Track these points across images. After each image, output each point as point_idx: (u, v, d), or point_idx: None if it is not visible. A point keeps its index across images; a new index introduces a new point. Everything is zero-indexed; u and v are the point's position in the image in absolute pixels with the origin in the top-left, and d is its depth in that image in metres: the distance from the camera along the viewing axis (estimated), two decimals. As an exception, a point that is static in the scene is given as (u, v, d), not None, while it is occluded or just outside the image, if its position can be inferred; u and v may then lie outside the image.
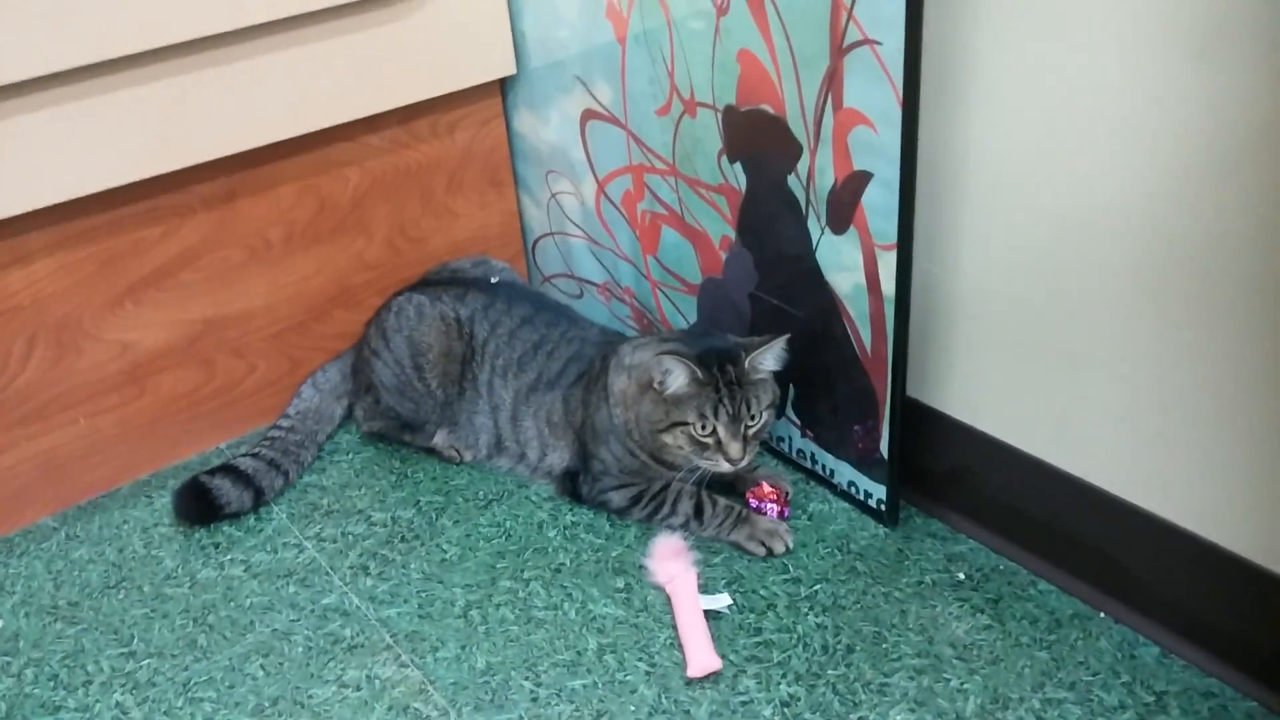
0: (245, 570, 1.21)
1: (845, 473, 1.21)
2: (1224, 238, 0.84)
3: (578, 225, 1.49)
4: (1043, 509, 1.09)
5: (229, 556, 1.23)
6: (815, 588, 1.12)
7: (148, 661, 1.10)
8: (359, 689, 1.05)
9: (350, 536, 1.25)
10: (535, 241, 1.61)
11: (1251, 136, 0.79)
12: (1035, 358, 1.03)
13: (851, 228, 1.05)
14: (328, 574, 1.19)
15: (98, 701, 1.05)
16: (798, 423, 1.26)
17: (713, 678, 1.02)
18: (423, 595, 1.15)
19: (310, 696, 1.04)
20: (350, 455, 1.39)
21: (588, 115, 1.37)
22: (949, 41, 0.96)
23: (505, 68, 1.43)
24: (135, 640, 1.12)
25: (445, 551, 1.22)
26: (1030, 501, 1.09)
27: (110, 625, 1.14)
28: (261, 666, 1.08)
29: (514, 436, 1.29)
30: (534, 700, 1.02)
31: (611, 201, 1.40)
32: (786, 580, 1.13)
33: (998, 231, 1.01)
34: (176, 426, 1.38)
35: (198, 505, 1.26)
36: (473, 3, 1.36)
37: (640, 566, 1.16)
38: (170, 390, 1.36)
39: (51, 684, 1.08)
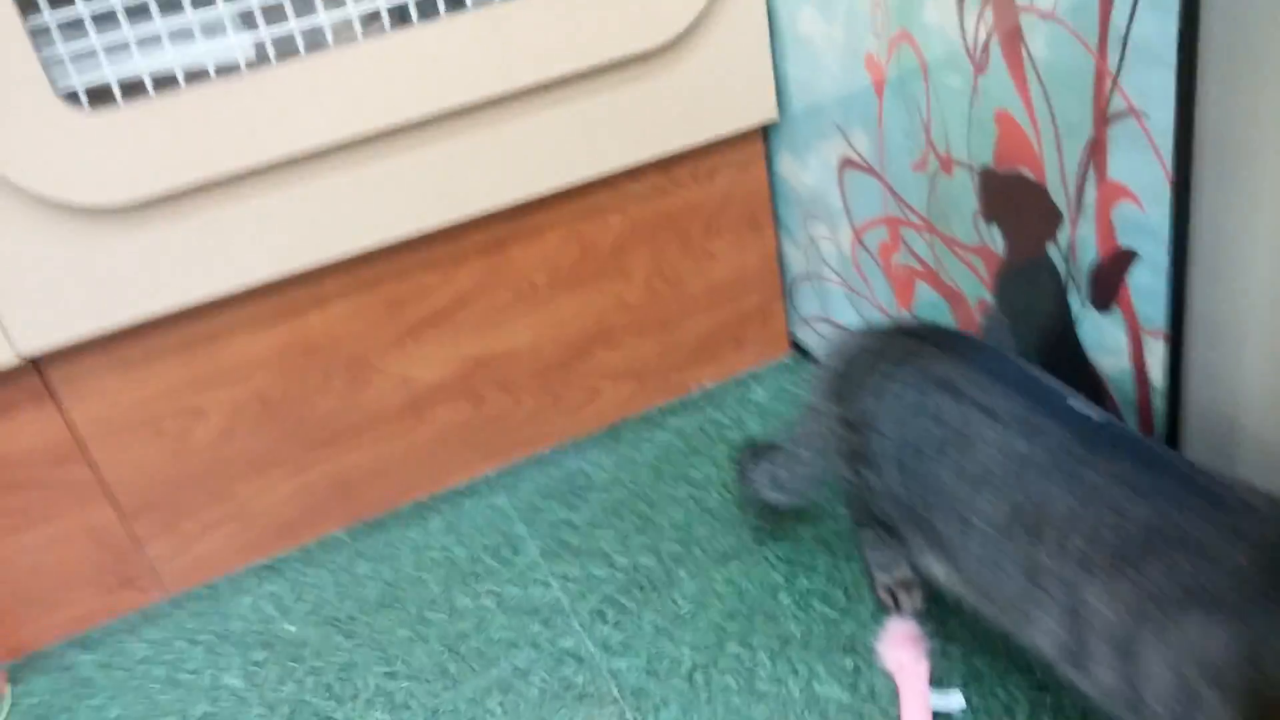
0: (496, 603, 1.29)
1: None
2: None
3: (835, 271, 1.45)
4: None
5: (484, 587, 1.32)
6: (1063, 696, 1.02)
7: (406, 684, 1.20)
8: (583, 738, 1.09)
9: (593, 579, 1.30)
10: (793, 283, 1.58)
11: None
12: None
13: (1116, 307, 0.95)
14: (568, 616, 1.25)
15: (361, 717, 1.17)
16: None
17: (934, 783, 0.96)
18: (653, 650, 1.17)
19: (538, 739, 1.10)
20: (602, 493, 1.44)
21: (845, 163, 1.32)
22: (1230, 111, 0.83)
23: (768, 114, 1.42)
24: (398, 661, 1.23)
25: (679, 606, 1.23)
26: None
27: (378, 643, 1.26)
28: (500, 704, 1.15)
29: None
30: (748, 776, 1.01)
31: (867, 250, 1.35)
32: (1031, 685, 1.04)
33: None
34: (449, 454, 1.50)
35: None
36: (736, 51, 1.36)
37: (872, 648, 1.11)
38: (445, 420, 1.48)
39: (326, 694, 1.21)
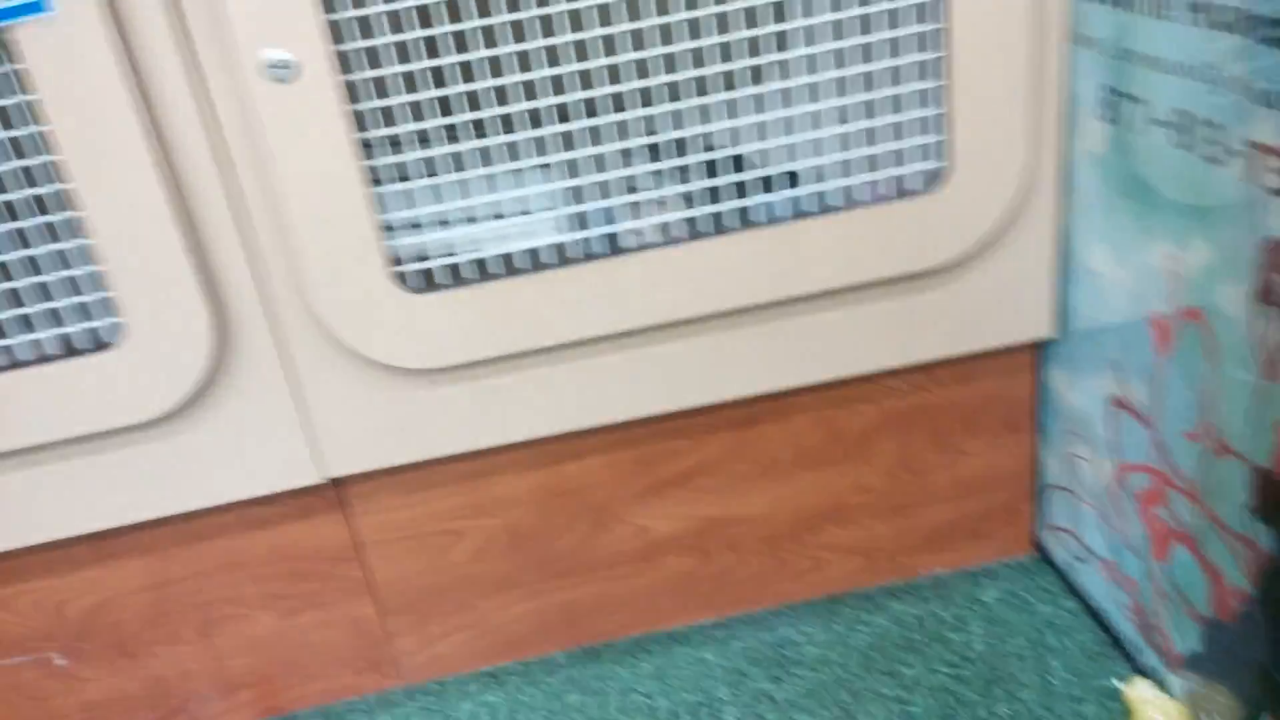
0: (691, 768, 1.34)
1: None
2: None
3: (1090, 493, 1.41)
4: None
5: (682, 746, 1.37)
6: None
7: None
8: None
9: (786, 766, 1.32)
10: (1045, 488, 1.54)
11: None
12: None
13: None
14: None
15: None
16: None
17: None
18: None
19: None
20: (808, 670, 1.47)
21: (1117, 402, 1.29)
22: None
23: (1043, 332, 1.40)
24: (591, 804, 1.31)
25: (867, 820, 1.23)
26: None
27: (577, 781, 1.35)
28: None
29: None
30: None
31: (1127, 491, 1.30)
32: None
33: None
34: (670, 599, 1.57)
35: None
36: (1017, 275, 1.36)
37: None
38: (672, 569, 1.55)
39: (523, 822, 1.31)
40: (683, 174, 1.28)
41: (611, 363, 1.34)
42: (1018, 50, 1.23)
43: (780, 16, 1.23)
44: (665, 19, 1.17)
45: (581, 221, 1.28)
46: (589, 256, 1.26)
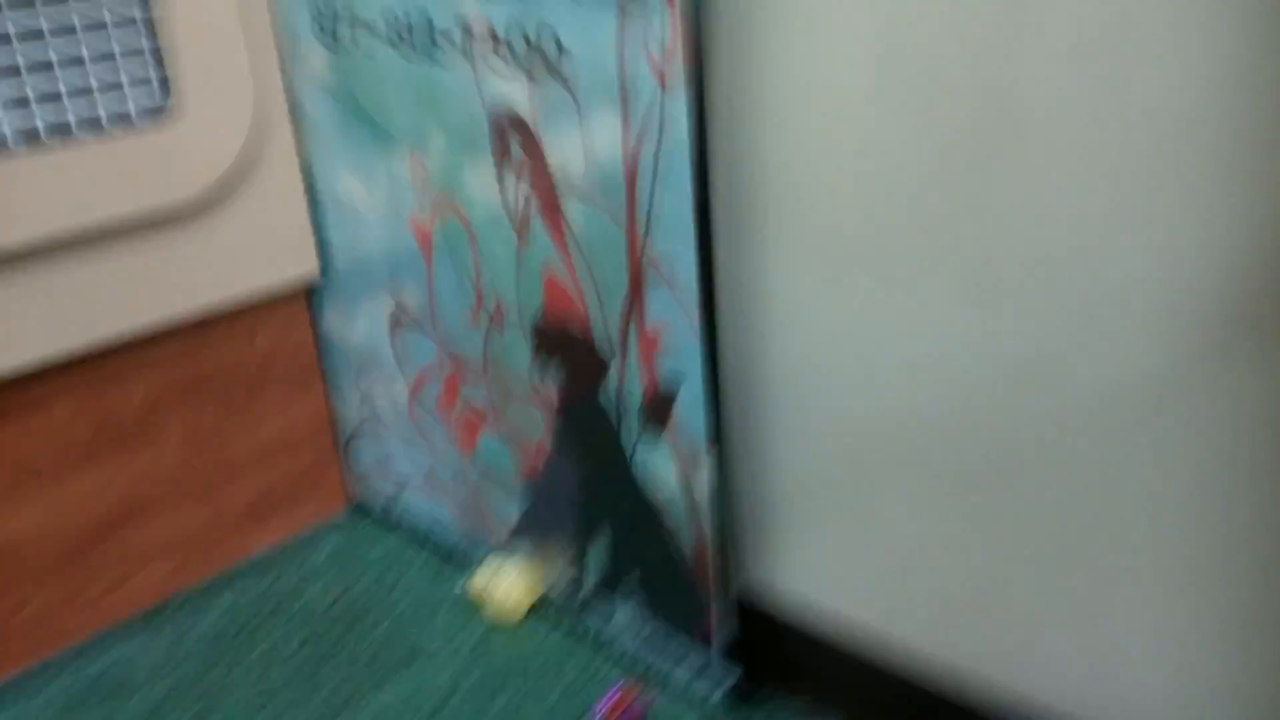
0: None
1: (685, 669, 1.20)
2: (994, 445, 0.90)
3: (391, 422, 1.45)
4: (879, 690, 1.10)
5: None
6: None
7: None
8: None
9: (145, 798, 1.12)
10: (348, 437, 1.55)
11: (1021, 365, 0.86)
12: (865, 550, 1.06)
13: (663, 438, 1.07)
14: None
15: None
16: (634, 618, 1.24)
17: None
18: None
19: None
20: (145, 689, 1.27)
21: (396, 321, 1.35)
22: (743, 268, 1.01)
23: (308, 272, 1.40)
24: None
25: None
26: (868, 683, 1.11)
27: None
28: None
29: None
30: None
31: (423, 403, 1.37)
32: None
33: (808, 437, 1.05)
34: (-63, 680, 1.23)
35: None
36: (269, 211, 1.33)
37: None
38: (-72, 641, 1.21)
39: None
40: None
41: None
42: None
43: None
44: None
45: None
46: None
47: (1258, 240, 0.72)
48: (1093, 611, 0.91)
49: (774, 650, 1.18)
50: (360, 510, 1.60)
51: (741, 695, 1.19)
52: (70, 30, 1.13)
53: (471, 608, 1.38)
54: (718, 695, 1.17)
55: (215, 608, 1.41)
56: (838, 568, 1.09)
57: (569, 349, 1.12)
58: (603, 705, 1.16)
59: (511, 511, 1.34)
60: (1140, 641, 0.89)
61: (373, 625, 1.37)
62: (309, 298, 1.47)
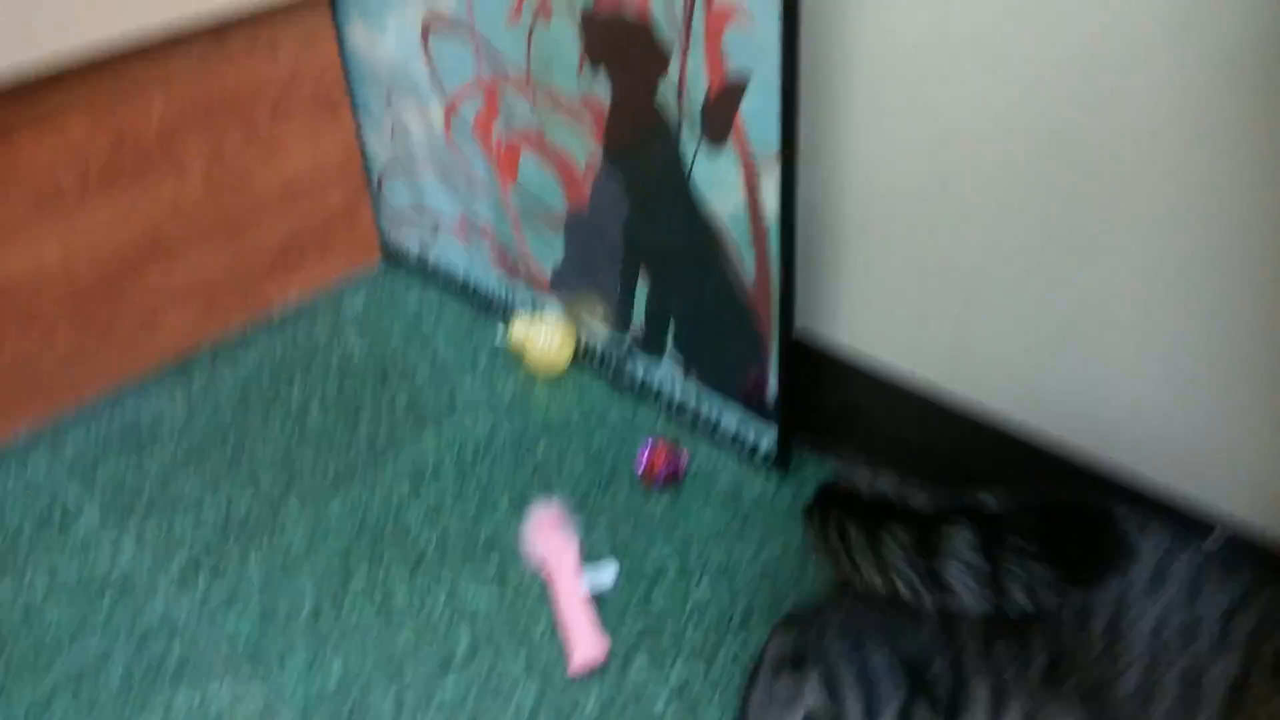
0: (49, 584, 1.02)
1: (732, 418, 1.09)
2: (1102, 133, 0.73)
3: (427, 153, 1.31)
4: (942, 440, 0.99)
5: (30, 567, 1.04)
6: (707, 548, 1.00)
7: (-72, 706, 0.91)
8: (189, 718, 0.89)
9: (176, 534, 1.07)
10: (380, 180, 1.42)
11: (1112, 33, 0.68)
12: (925, 280, 0.92)
13: (730, 141, 0.91)
14: (150, 583, 1.02)
15: None
16: (680, 363, 1.13)
17: (601, 667, 0.90)
18: (265, 598, 0.99)
19: (129, 731, 0.88)
20: (177, 437, 1.21)
21: (430, 25, 1.18)
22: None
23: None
24: (-87, 680, 0.94)
25: (291, 544, 1.05)
26: (928, 434, 1.00)
27: (-122, 663, 0.95)
28: (71, 706, 0.91)
29: None
30: (399, 708, 0.88)
31: (462, 122, 1.23)
32: (676, 544, 1.01)
33: (885, 144, 0.89)
34: (-42, 416, 1.17)
35: None
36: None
37: (515, 543, 1.02)
38: (-56, 375, 1.15)
39: None
40: None
41: None
42: None
43: None
44: None
45: None
46: None
47: None
48: (1167, 361, 0.76)
49: (828, 402, 1.07)
50: (394, 258, 1.49)
51: (791, 449, 1.08)
52: None
53: (512, 358, 1.28)
54: (767, 443, 1.06)
55: (248, 357, 1.33)
56: (902, 314, 0.96)
57: (624, 38, 0.96)
58: (640, 459, 1.07)
59: (554, 253, 1.21)
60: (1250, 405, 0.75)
61: (410, 374, 1.28)
62: (334, 7, 1.30)
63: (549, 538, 0.99)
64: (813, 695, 0.79)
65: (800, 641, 0.81)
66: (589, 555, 0.99)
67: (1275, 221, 0.70)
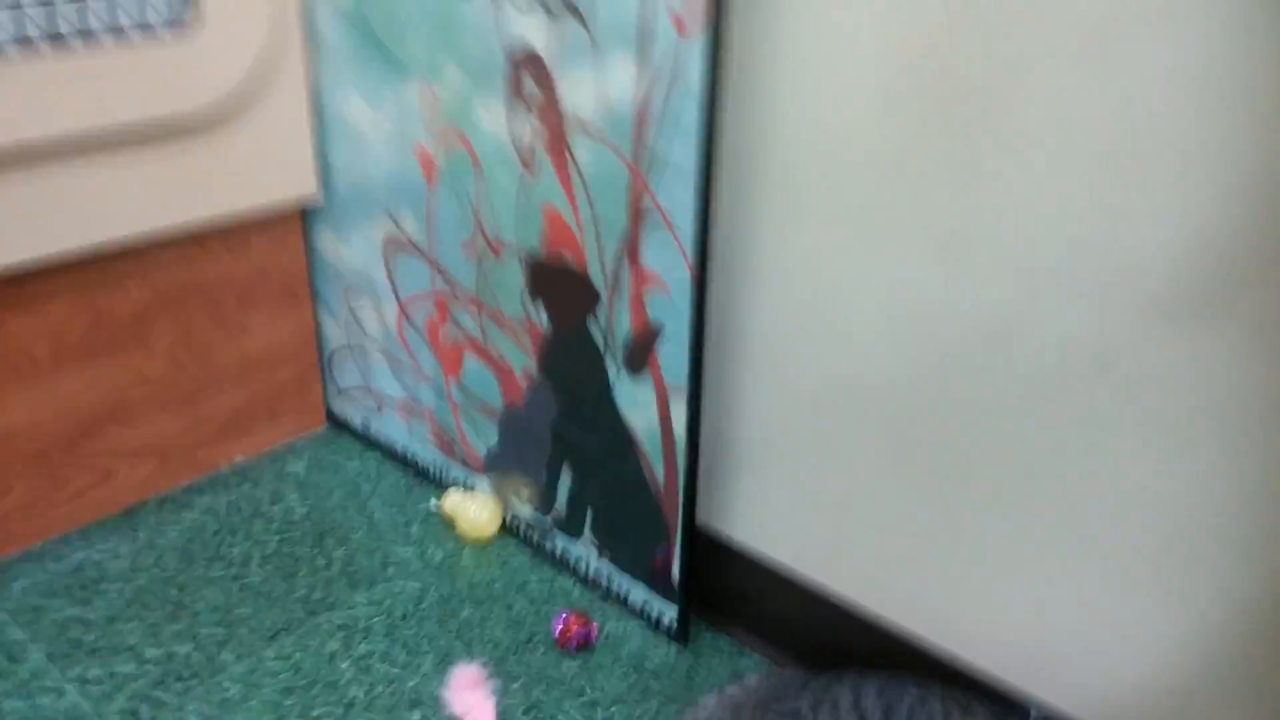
0: (-2, 719, 1.11)
1: (640, 593, 1.27)
2: (952, 407, 0.97)
3: (377, 342, 1.50)
4: (818, 628, 1.18)
5: (-22, 704, 1.13)
6: (611, 709, 1.16)
7: (-123, 833, 0.99)
8: None
9: (119, 677, 1.18)
10: (331, 355, 1.60)
11: (981, 328, 0.93)
12: (806, 492, 1.14)
13: (646, 371, 1.13)
14: (95, 720, 1.12)
15: None
16: (595, 544, 1.31)
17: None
18: (203, 740, 1.10)
19: None
20: (120, 583, 1.32)
21: (391, 244, 1.39)
22: (738, 215, 1.07)
23: (308, 193, 1.44)
24: None
25: (227, 690, 1.17)
26: (807, 621, 1.19)
27: None
28: (17, 832, 1.00)
29: None
30: None
31: (413, 324, 1.42)
32: (584, 703, 1.16)
33: (777, 386, 1.12)
34: (-82, 555, 1.26)
35: None
36: (274, 129, 1.36)
37: (437, 698, 1.16)
38: (-87, 516, 1.25)
39: None
40: None
41: None
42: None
43: None
44: None
45: None
46: None
47: (1210, 230, 0.79)
48: (1038, 581, 0.99)
49: (724, 586, 1.26)
50: (339, 426, 1.65)
51: (690, 624, 1.26)
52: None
53: (443, 526, 1.44)
54: (670, 617, 1.24)
55: (193, 509, 1.46)
56: (790, 517, 1.17)
57: (564, 280, 1.18)
58: (555, 626, 1.23)
59: (489, 437, 1.39)
60: (1081, 612, 0.97)
61: (347, 535, 1.42)
62: (305, 217, 1.51)
63: (469, 694, 1.14)
64: None
65: None
66: (504, 712, 1.14)
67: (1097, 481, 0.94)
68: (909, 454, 1.03)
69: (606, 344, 1.16)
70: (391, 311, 1.44)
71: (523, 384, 1.30)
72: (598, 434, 1.23)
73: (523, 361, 1.28)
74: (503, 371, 1.32)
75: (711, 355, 1.13)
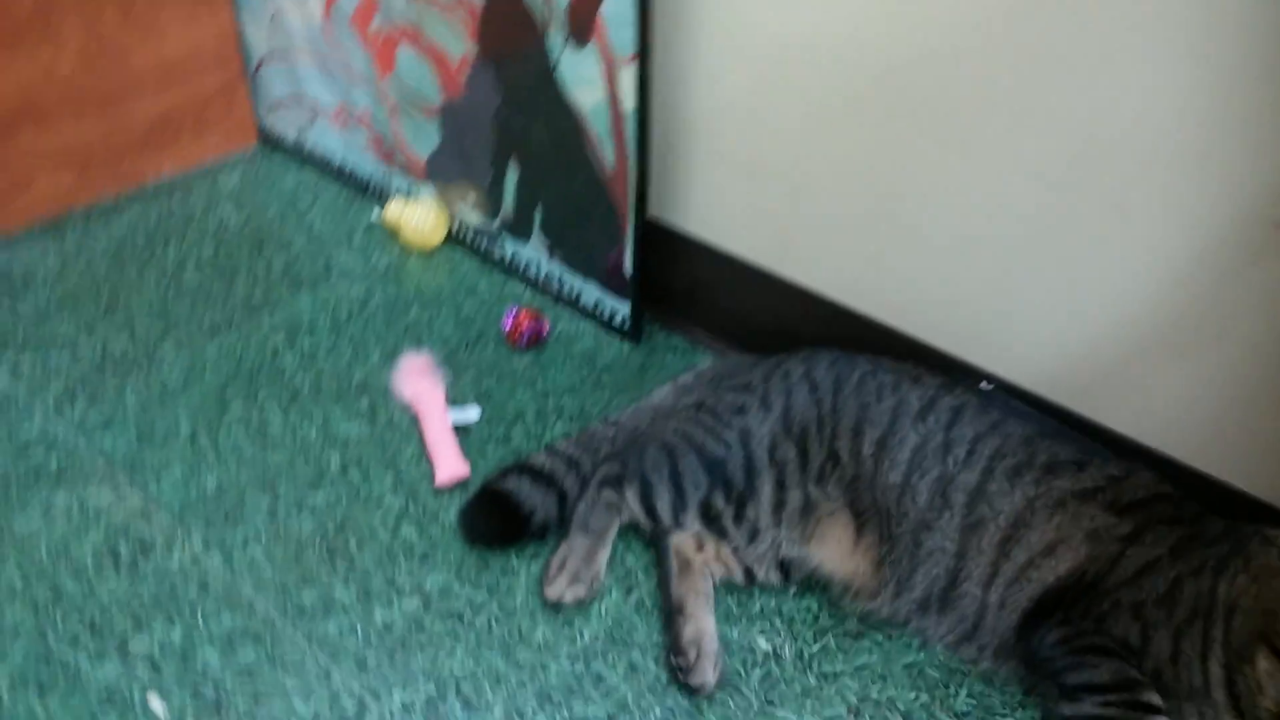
0: (-75, 405, 1.08)
1: (591, 293, 1.24)
2: (921, 60, 0.92)
3: (305, 43, 1.40)
4: (771, 317, 1.17)
5: (-96, 390, 1.09)
6: (562, 399, 1.14)
7: None
8: (70, 516, 0.97)
9: (53, 367, 1.14)
10: (258, 66, 1.49)
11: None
12: (763, 177, 1.10)
13: (592, 41, 1.06)
14: (27, 405, 1.09)
15: None
16: (546, 245, 1.27)
17: (462, 485, 1.03)
18: (142, 422, 1.08)
19: (11, 527, 0.96)
20: (50, 286, 1.26)
21: (316, -82, 1.27)
22: None
23: None
24: None
25: (167, 379, 1.14)
26: (760, 311, 1.17)
27: None
28: (-48, 501, 0.98)
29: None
30: (272, 515, 0.99)
31: (342, 15, 1.32)
32: (535, 394, 1.15)
33: (730, 54, 1.05)
34: None
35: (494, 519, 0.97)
36: None
37: (385, 387, 1.14)
38: None
39: None
40: None
41: None
42: None
43: None
44: None
45: None
46: None
47: None
48: (985, 259, 0.97)
49: (677, 282, 1.23)
50: (271, 143, 1.56)
51: (643, 322, 1.24)
52: None
53: (387, 236, 1.39)
54: (622, 315, 1.22)
55: (122, 219, 1.39)
56: (742, 205, 1.13)
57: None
58: (506, 322, 1.20)
59: (430, 140, 1.32)
60: (1033, 280, 0.96)
61: (287, 245, 1.37)
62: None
63: (418, 380, 1.12)
64: (632, 504, 0.96)
65: (622, 466, 0.98)
66: (455, 399, 1.12)
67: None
68: (863, 116, 0.99)
69: (548, 12, 1.08)
70: (317, 7, 1.34)
71: (461, 73, 1.22)
72: (542, 119, 1.16)
73: (460, 46, 1.19)
74: (439, 60, 1.23)
75: (660, 19, 1.05)
